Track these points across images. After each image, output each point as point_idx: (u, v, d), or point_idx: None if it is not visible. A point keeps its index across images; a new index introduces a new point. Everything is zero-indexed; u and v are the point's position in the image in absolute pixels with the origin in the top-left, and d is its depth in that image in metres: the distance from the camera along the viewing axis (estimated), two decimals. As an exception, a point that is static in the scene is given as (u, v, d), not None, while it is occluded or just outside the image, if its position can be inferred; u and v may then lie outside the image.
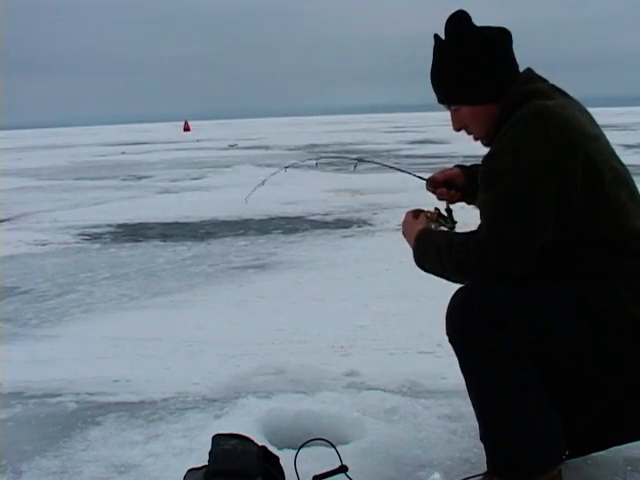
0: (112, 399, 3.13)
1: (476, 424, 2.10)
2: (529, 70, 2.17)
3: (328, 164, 13.33)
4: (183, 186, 12.08)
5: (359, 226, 7.45)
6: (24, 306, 4.77)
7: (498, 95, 2.12)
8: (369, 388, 3.07)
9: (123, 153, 22.82)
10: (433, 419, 2.70)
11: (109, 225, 8.13)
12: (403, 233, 2.31)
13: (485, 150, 2.14)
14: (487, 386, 2.02)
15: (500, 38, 2.15)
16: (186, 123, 42.40)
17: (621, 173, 2.08)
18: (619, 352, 2.01)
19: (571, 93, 2.17)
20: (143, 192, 11.51)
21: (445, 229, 2.32)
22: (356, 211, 8.44)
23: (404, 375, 3.18)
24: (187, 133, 38.51)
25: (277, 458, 2.18)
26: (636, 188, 2.10)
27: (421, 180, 2.49)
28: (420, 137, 25.55)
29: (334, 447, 2.23)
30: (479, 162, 2.17)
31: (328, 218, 8.05)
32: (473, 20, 2.15)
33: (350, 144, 22.29)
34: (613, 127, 24.20)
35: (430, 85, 2.24)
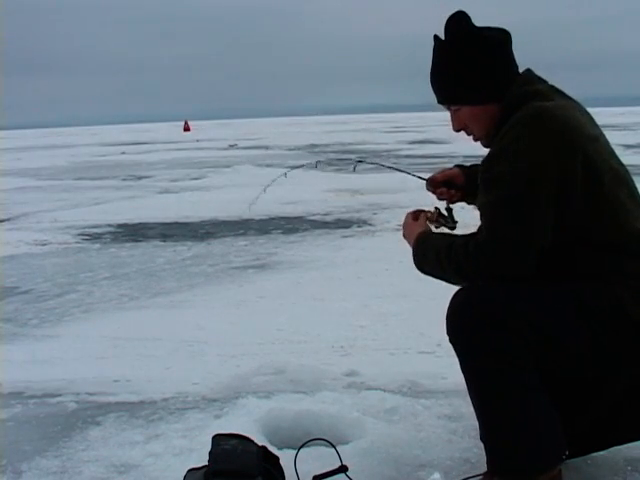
0: (112, 399, 3.13)
1: (476, 424, 2.10)
2: (528, 71, 2.17)
3: (328, 164, 13.33)
4: (183, 186, 12.08)
5: (359, 226, 7.45)
6: (24, 306, 4.77)
7: (498, 95, 2.12)
8: (369, 388, 3.07)
9: (123, 153, 22.82)
10: (433, 419, 2.70)
11: (109, 225, 8.14)
12: (404, 235, 2.32)
13: (485, 151, 2.14)
14: (487, 386, 2.02)
15: (500, 38, 2.15)
16: (186, 123, 42.41)
17: (621, 173, 2.08)
18: (618, 352, 2.02)
19: (571, 93, 2.17)
20: (143, 192, 11.51)
21: (446, 229, 2.32)
22: (356, 211, 8.44)
23: (404, 375, 3.18)
24: (187, 133, 38.51)
25: (277, 458, 2.18)
26: (636, 188, 2.11)
27: (421, 180, 2.49)
28: (420, 137, 25.55)
29: (334, 447, 2.23)
30: (479, 162, 2.17)
31: (328, 218, 8.05)
32: (473, 21, 2.16)
33: (350, 144, 22.29)
34: (613, 127, 24.20)
35: (430, 86, 2.24)
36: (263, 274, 5.41)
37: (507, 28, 2.17)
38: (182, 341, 3.86)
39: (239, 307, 4.50)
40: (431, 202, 2.46)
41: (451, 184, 2.42)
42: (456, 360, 2.08)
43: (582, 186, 1.97)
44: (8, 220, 8.88)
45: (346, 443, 2.47)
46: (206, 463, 2.08)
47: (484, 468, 2.12)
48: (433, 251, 2.12)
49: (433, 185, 2.43)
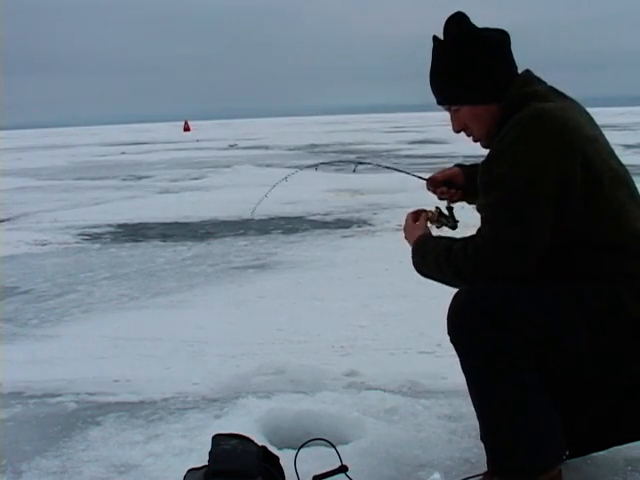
0: (112, 399, 3.13)
1: (476, 424, 2.10)
2: (528, 72, 2.17)
3: (328, 164, 13.33)
4: (183, 186, 12.08)
5: (359, 226, 7.45)
6: (24, 306, 4.77)
7: (498, 95, 2.12)
8: (369, 388, 3.07)
9: (123, 153, 22.82)
10: (433, 419, 2.70)
11: (109, 225, 8.14)
12: (405, 237, 2.33)
13: (485, 151, 2.14)
14: (487, 386, 2.02)
15: (499, 39, 2.15)
16: (186, 123, 42.40)
17: (620, 174, 2.08)
18: (619, 351, 2.02)
19: (571, 93, 2.17)
20: (143, 192, 11.51)
21: (447, 228, 2.33)
22: (356, 211, 8.44)
23: (404, 375, 3.18)
24: (187, 133, 38.51)
25: (277, 458, 2.18)
26: (636, 188, 2.11)
27: (421, 180, 2.49)
28: (420, 137, 25.55)
29: (334, 447, 2.23)
30: (479, 161, 2.17)
31: (328, 218, 8.05)
32: (472, 21, 2.16)
33: (350, 144, 22.29)
34: (613, 127, 24.20)
35: (429, 86, 2.24)
36: (263, 274, 5.41)
37: (506, 28, 2.17)
38: (182, 341, 3.86)
39: (239, 307, 4.50)
40: (431, 202, 2.46)
41: (451, 183, 2.42)
42: (456, 360, 2.08)
43: (581, 187, 1.98)
44: (8, 220, 8.88)
45: (346, 443, 2.47)
46: (206, 463, 2.08)
47: (484, 468, 2.12)
48: (432, 254, 2.13)
49: (433, 185, 2.43)
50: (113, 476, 2.42)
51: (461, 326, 2.03)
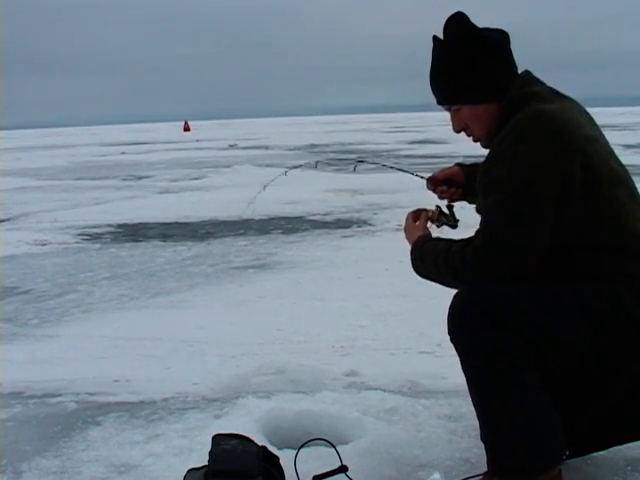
0: (112, 399, 3.13)
1: (476, 424, 2.11)
2: (527, 72, 2.18)
3: (328, 164, 13.34)
4: (183, 186, 12.08)
5: (359, 226, 7.45)
6: (24, 306, 4.77)
7: (498, 95, 2.12)
8: (369, 388, 3.07)
9: (123, 153, 22.82)
10: (433, 419, 2.70)
11: (109, 225, 8.14)
12: (405, 237, 2.33)
13: (485, 151, 2.14)
14: (487, 386, 2.02)
15: (499, 39, 2.15)
16: (186, 123, 42.39)
17: (620, 174, 2.08)
18: (619, 351, 2.02)
19: (571, 93, 2.17)
20: (143, 192, 11.52)
21: (447, 227, 2.33)
22: (356, 211, 8.44)
23: (404, 375, 3.18)
24: (187, 133, 38.50)
25: (277, 458, 2.18)
26: (636, 188, 2.11)
27: (421, 179, 2.49)
28: (420, 137, 25.55)
29: (334, 447, 2.23)
30: (479, 161, 2.17)
31: (328, 218, 8.05)
32: (474, 21, 2.16)
33: (350, 144, 22.29)
34: (613, 127, 24.20)
35: (429, 87, 2.24)
36: (263, 274, 5.41)
37: (506, 28, 2.17)
38: (182, 341, 3.86)
39: (239, 307, 4.50)
40: (432, 202, 2.46)
41: (451, 182, 2.42)
42: (456, 360, 2.08)
43: (581, 187, 1.98)
44: (8, 220, 8.88)
45: (346, 443, 2.47)
46: (206, 463, 2.08)
47: (484, 468, 2.12)
48: (431, 256, 2.13)
49: (433, 184, 2.43)
50: (113, 476, 2.42)
51: (461, 326, 2.03)
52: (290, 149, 21.39)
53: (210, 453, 2.10)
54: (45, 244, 7.08)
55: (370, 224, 7.53)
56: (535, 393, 2.01)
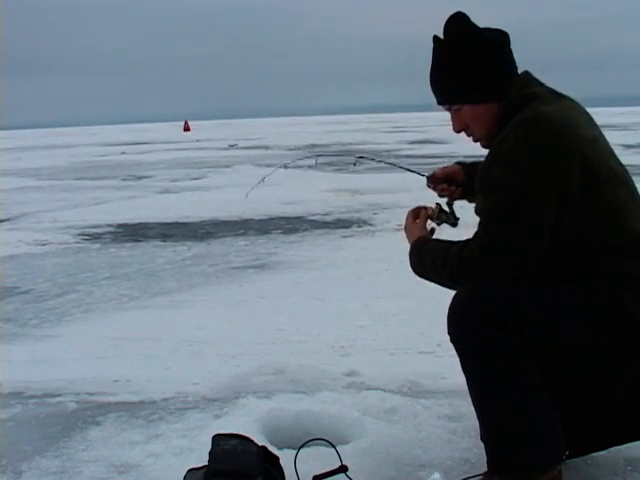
0: (112, 399, 3.13)
1: (476, 424, 2.11)
2: (527, 73, 2.18)
3: (328, 164, 13.34)
4: (183, 186, 12.08)
5: (359, 226, 7.45)
6: (24, 306, 4.77)
7: (498, 94, 2.12)
8: (369, 388, 3.07)
9: (123, 153, 22.82)
10: (433, 419, 2.70)
11: (109, 225, 8.14)
12: (406, 237, 2.33)
13: (485, 151, 2.14)
14: (487, 386, 2.02)
15: (499, 39, 2.15)
16: (186, 123, 42.39)
17: (620, 174, 2.08)
18: (619, 352, 2.02)
19: (571, 93, 2.17)
20: (143, 192, 11.52)
21: (448, 225, 2.33)
22: (356, 211, 8.44)
23: (404, 375, 3.18)
24: (187, 133, 38.50)
25: (277, 458, 2.18)
26: (636, 189, 2.11)
27: (422, 177, 2.50)
28: (420, 137, 25.54)
29: (334, 447, 2.23)
30: (479, 160, 2.17)
31: (328, 218, 8.05)
32: (474, 21, 2.16)
33: (350, 144, 22.29)
34: (613, 127, 24.19)
35: (430, 87, 2.24)
36: (263, 274, 5.41)
37: (507, 28, 2.17)
38: (182, 341, 3.86)
39: (239, 307, 4.50)
40: (432, 202, 2.46)
41: (452, 181, 2.42)
42: (456, 360, 2.08)
43: (580, 188, 1.98)
44: (8, 220, 8.88)
45: (346, 443, 2.47)
46: (206, 463, 2.08)
47: (484, 468, 2.12)
48: (429, 257, 2.14)
49: (434, 182, 2.44)
50: (113, 476, 2.42)
51: (461, 326, 2.03)
52: (290, 149, 21.39)
53: (210, 453, 2.10)
54: (45, 244, 7.08)
55: (370, 224, 7.53)
56: (535, 393, 2.01)
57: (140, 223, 8.24)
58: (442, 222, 2.34)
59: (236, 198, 9.46)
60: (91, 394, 3.19)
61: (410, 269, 2.24)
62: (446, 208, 2.36)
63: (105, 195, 11.19)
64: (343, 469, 2.18)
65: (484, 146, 2.19)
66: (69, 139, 37.85)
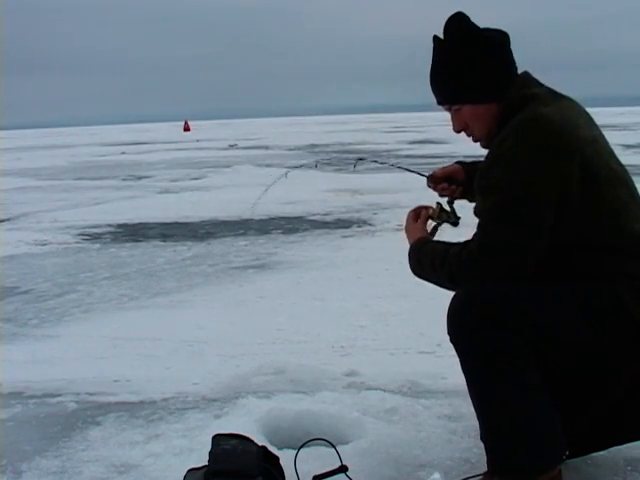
0: (112, 399, 3.13)
1: (476, 424, 2.10)
2: (526, 74, 2.18)
3: (328, 164, 13.34)
4: (183, 186, 12.08)
5: (359, 226, 7.45)
6: (24, 306, 4.77)
7: (498, 94, 2.12)
8: (369, 388, 3.07)
9: (123, 153, 22.82)
10: (433, 419, 2.70)
11: (109, 225, 8.14)
12: (407, 237, 2.34)
13: (485, 151, 2.14)
14: (487, 386, 2.02)
15: (499, 39, 2.15)
16: (186, 123, 42.39)
17: (620, 174, 2.08)
18: (619, 351, 2.02)
19: (571, 93, 2.17)
20: (143, 192, 11.52)
21: (449, 225, 2.33)
22: (356, 211, 8.44)
23: (404, 375, 3.18)
24: (187, 133, 38.50)
25: (277, 458, 2.18)
26: (635, 189, 2.11)
27: (422, 177, 2.49)
28: (420, 137, 25.54)
29: (334, 447, 2.23)
30: (479, 160, 2.17)
31: (328, 218, 8.06)
32: (474, 21, 2.16)
33: (350, 144, 22.28)
34: (613, 127, 24.19)
35: (430, 87, 2.24)
36: (263, 274, 5.41)
37: (507, 28, 2.17)
38: (182, 341, 3.86)
39: (239, 307, 4.50)
40: (432, 202, 2.46)
41: (452, 180, 2.42)
42: (456, 360, 2.08)
43: (580, 188, 1.98)
44: (8, 220, 8.88)
45: (346, 443, 2.47)
46: (206, 463, 2.08)
47: (484, 468, 2.12)
48: (428, 258, 2.14)
49: (434, 181, 2.43)
50: (113, 476, 2.42)
51: (461, 326, 2.03)
52: (290, 149, 21.39)
53: (210, 453, 2.10)
54: (45, 244, 7.08)
55: (370, 224, 7.53)
56: (535, 393, 2.01)
57: (140, 223, 8.24)
58: (443, 221, 2.34)
59: (236, 198, 9.46)
60: (91, 394, 3.19)
61: (410, 270, 2.24)
62: (447, 207, 2.36)
63: (105, 195, 11.19)
64: (343, 469, 2.18)
65: (484, 146, 2.19)
66: (69, 139, 37.85)
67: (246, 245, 6.62)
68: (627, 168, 2.15)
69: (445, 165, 2.51)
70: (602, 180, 2.00)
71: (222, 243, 6.79)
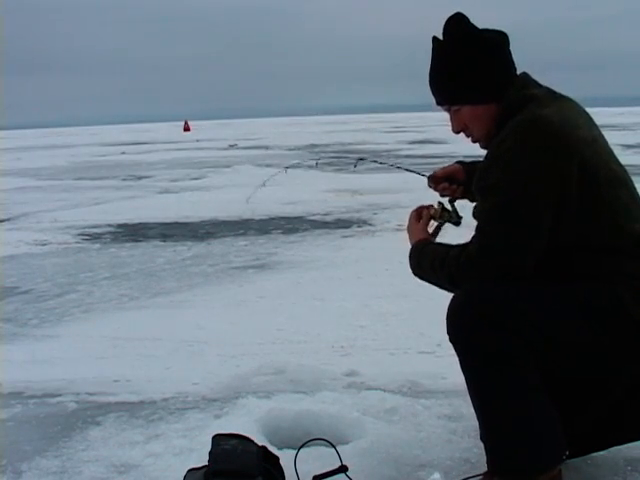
0: (112, 399, 3.13)
1: (476, 424, 2.11)
2: (525, 74, 2.18)
3: (328, 164, 13.35)
4: (183, 186, 12.08)
5: (359, 226, 7.45)
6: (24, 306, 4.77)
7: (498, 95, 2.12)
8: (369, 388, 3.07)
9: (123, 153, 22.82)
10: (433, 419, 2.70)
11: (109, 225, 8.14)
12: (408, 238, 2.34)
13: (484, 151, 2.14)
14: (487, 386, 2.02)
15: (499, 39, 2.15)
16: (186, 123, 42.39)
17: (619, 174, 2.08)
18: (619, 352, 2.02)
19: (571, 93, 2.17)
20: (143, 192, 11.52)
21: (451, 225, 2.33)
22: (356, 211, 8.44)
23: (404, 375, 3.19)
24: (187, 133, 38.49)
25: (277, 458, 2.18)
26: (635, 189, 2.11)
27: (422, 177, 2.50)
28: (420, 137, 25.54)
29: (334, 447, 2.23)
30: (479, 160, 2.17)
31: (328, 218, 8.06)
32: (472, 22, 2.16)
33: (350, 144, 22.29)
34: (613, 127, 24.19)
35: (429, 87, 2.24)
36: (263, 274, 5.41)
37: (506, 29, 2.17)
38: (182, 341, 3.86)
39: (239, 307, 4.50)
40: (432, 202, 2.46)
41: (453, 180, 2.42)
42: (456, 360, 2.08)
43: (579, 189, 1.98)
44: (8, 220, 8.88)
45: (346, 443, 2.47)
46: (206, 463, 2.08)
47: (484, 468, 2.12)
48: (428, 260, 2.15)
49: (435, 181, 2.43)
50: (113, 476, 2.42)
51: (460, 326, 2.03)
52: (290, 149, 21.39)
53: (210, 453, 2.10)
54: (45, 244, 7.08)
55: (370, 224, 7.53)
56: (535, 393, 2.01)
57: (140, 223, 8.24)
58: (445, 221, 2.34)
59: (236, 198, 9.46)
60: (91, 394, 3.19)
61: (410, 270, 2.24)
62: (449, 207, 2.36)
63: (105, 195, 11.19)
64: (343, 469, 2.18)
65: (483, 147, 2.19)
66: (69, 139, 37.85)
67: (246, 245, 6.62)
68: (627, 168, 2.15)
69: (445, 165, 2.51)
70: (601, 181, 2.00)
71: (222, 243, 6.79)
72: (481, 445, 2.11)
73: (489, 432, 2.07)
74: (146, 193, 11.36)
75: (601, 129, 2.18)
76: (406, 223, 2.37)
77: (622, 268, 2.00)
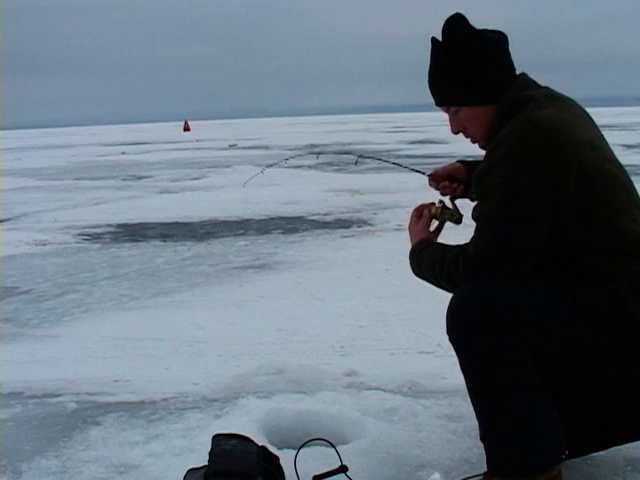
0: (112, 399, 3.13)
1: (476, 424, 2.10)
2: (524, 75, 2.17)
3: (328, 164, 13.34)
4: (183, 186, 12.08)
5: (359, 226, 7.45)
6: (24, 306, 4.77)
7: (497, 96, 2.12)
8: (369, 388, 3.07)
9: (123, 153, 22.82)
10: (433, 419, 2.70)
11: (109, 225, 8.14)
12: (409, 237, 2.34)
13: (484, 151, 2.14)
14: (487, 385, 2.02)
15: (498, 40, 2.15)
16: (186, 123, 42.40)
17: (618, 175, 2.08)
18: (620, 351, 2.01)
19: (571, 93, 2.17)
20: (143, 192, 11.51)
21: (452, 223, 2.33)
22: (356, 211, 8.44)
23: (404, 375, 3.18)
24: (187, 133, 38.50)
25: (277, 458, 2.18)
26: (634, 189, 2.11)
27: (423, 175, 2.50)
28: (420, 137, 25.54)
29: (334, 447, 2.23)
30: (479, 159, 2.17)
31: (328, 218, 8.06)
32: (472, 23, 2.15)
33: (350, 144, 22.28)
34: (613, 127, 24.19)
35: (428, 88, 2.24)
36: (263, 274, 5.41)
37: (506, 29, 2.17)
38: (182, 341, 3.86)
39: (239, 307, 4.50)
40: (432, 200, 2.45)
41: (453, 179, 2.42)
42: (456, 360, 2.08)
43: (577, 191, 1.97)
44: (8, 220, 8.88)
45: (346, 443, 2.47)
46: (206, 463, 2.08)
47: (484, 468, 2.12)
48: (428, 261, 2.15)
49: (436, 180, 2.44)
50: (113, 476, 2.42)
51: (460, 326, 2.03)
52: (290, 149, 21.38)
53: (210, 453, 2.10)
54: (45, 244, 7.08)
55: (370, 224, 7.53)
56: (535, 393, 2.01)
57: (140, 223, 8.24)
58: (446, 219, 2.34)
59: (236, 198, 9.46)
60: (91, 394, 3.19)
61: (410, 270, 2.25)
62: (449, 205, 2.36)
63: (105, 195, 11.19)
64: (343, 469, 2.19)
65: (482, 147, 2.20)
66: (69, 139, 37.85)
67: (246, 245, 6.62)
68: (627, 168, 2.15)
69: (446, 164, 2.51)
70: (599, 182, 2.00)
71: (222, 243, 6.79)
72: (481, 445, 2.11)
73: (489, 432, 2.07)
74: (146, 193, 11.36)
75: (601, 129, 2.18)
76: (407, 222, 2.37)
77: (622, 268, 1.99)
